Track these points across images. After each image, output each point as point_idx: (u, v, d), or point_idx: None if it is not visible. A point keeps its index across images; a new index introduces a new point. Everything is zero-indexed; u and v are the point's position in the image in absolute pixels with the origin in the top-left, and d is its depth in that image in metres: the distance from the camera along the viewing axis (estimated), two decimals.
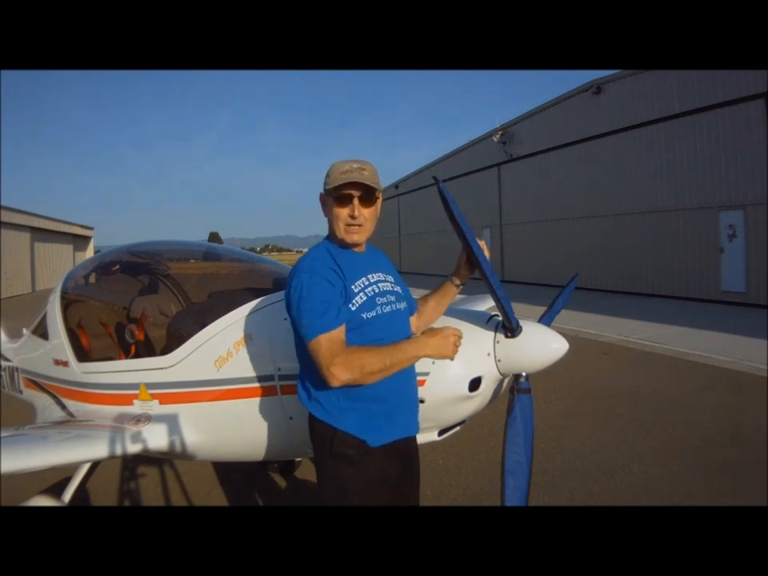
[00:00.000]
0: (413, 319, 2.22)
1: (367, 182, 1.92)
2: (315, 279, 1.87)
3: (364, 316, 1.91)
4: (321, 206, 2.06)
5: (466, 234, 2.05)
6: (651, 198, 14.94)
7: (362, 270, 1.99)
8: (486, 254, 2.14)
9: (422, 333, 2.01)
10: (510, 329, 2.15)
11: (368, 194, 1.95)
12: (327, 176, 1.98)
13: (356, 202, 1.94)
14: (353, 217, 1.94)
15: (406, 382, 2.02)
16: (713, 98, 12.79)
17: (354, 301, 1.91)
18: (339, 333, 1.83)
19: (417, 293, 2.34)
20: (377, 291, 1.97)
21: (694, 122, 13.46)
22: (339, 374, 1.78)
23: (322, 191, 2.02)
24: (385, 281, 2.04)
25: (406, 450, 2.06)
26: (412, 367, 2.05)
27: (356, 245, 2.01)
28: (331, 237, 2.04)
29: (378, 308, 1.95)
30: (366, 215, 1.96)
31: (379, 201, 2.03)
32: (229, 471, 4.53)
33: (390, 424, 1.98)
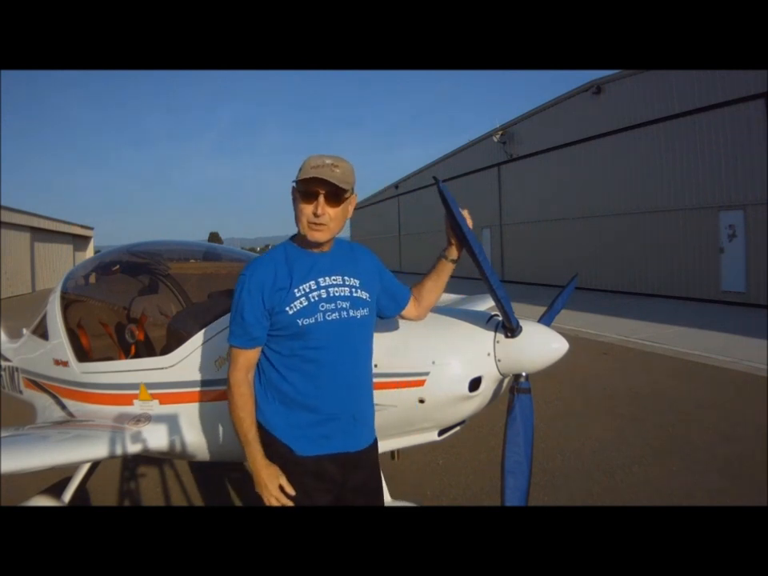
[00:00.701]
0: (411, 308, 2.18)
1: (335, 181, 1.81)
2: (248, 285, 1.87)
3: (300, 322, 1.85)
4: (291, 199, 1.94)
5: (467, 236, 2.05)
6: (651, 198, 14.95)
7: (314, 273, 1.91)
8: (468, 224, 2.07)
9: (263, 461, 1.88)
10: (510, 329, 2.15)
11: (336, 193, 1.85)
12: (300, 169, 1.87)
13: (321, 199, 1.83)
14: (316, 215, 1.84)
15: (347, 395, 1.93)
16: (713, 98, 12.79)
17: (292, 305, 1.85)
18: (249, 355, 1.91)
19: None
20: (323, 297, 1.88)
21: (693, 122, 13.46)
22: (229, 386, 1.91)
23: (294, 184, 1.90)
24: (343, 285, 1.93)
25: (352, 466, 1.96)
26: (359, 380, 1.97)
27: (318, 244, 1.92)
28: (297, 234, 1.96)
29: (319, 315, 1.86)
30: (332, 214, 1.86)
31: (349, 201, 1.93)
32: (229, 471, 4.52)
33: (323, 436, 1.91)
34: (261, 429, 1.92)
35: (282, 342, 1.89)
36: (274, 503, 1.86)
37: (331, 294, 1.90)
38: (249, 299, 1.86)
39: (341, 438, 1.93)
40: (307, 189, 1.84)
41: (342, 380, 1.92)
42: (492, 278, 2.08)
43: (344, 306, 1.91)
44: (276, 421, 1.92)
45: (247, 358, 1.91)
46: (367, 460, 2.03)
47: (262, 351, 1.94)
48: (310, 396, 1.89)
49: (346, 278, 1.96)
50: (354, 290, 1.95)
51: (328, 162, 1.85)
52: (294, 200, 1.92)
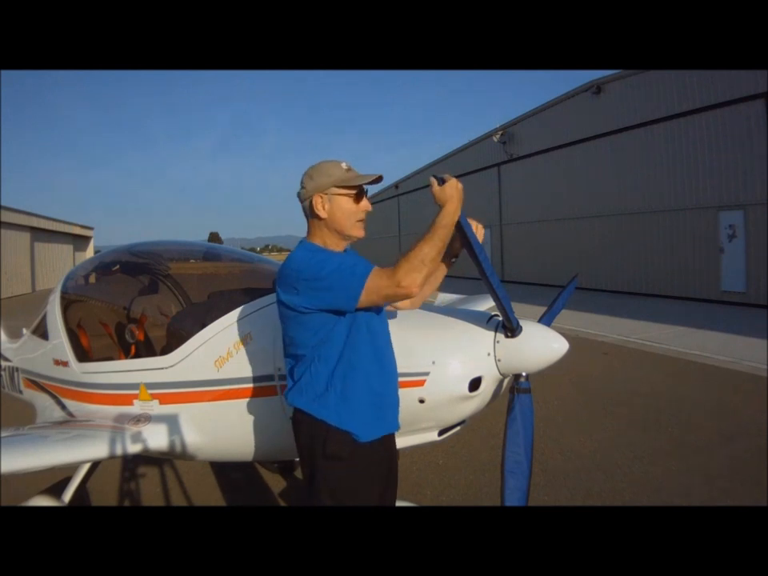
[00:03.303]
0: (405, 301, 2.24)
1: (373, 179, 2.03)
2: (321, 254, 1.95)
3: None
4: (314, 206, 1.99)
5: (468, 235, 2.05)
6: (651, 198, 14.94)
7: None
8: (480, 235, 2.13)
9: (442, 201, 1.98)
10: (510, 329, 2.15)
11: (363, 192, 2.06)
12: (328, 176, 1.98)
13: (365, 196, 2.05)
14: (367, 211, 2.04)
15: (394, 379, 2.08)
16: (713, 98, 12.79)
17: None
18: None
19: None
20: None
21: (693, 122, 13.46)
22: (412, 280, 1.79)
23: (323, 192, 1.98)
24: None
25: (388, 449, 2.09)
26: (393, 364, 2.08)
27: (356, 238, 2.07)
28: (316, 235, 2.05)
29: None
30: None
31: None
32: (229, 471, 4.52)
33: (378, 419, 2.02)
34: (322, 425, 1.94)
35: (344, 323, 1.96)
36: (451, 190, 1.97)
37: None
38: (330, 255, 1.95)
39: (391, 419, 2.06)
40: (360, 190, 2.03)
41: (386, 362, 2.05)
42: (492, 278, 2.08)
43: None
44: (339, 412, 1.94)
45: (381, 268, 1.89)
46: (396, 445, 2.18)
47: (322, 339, 1.94)
48: (373, 380, 1.98)
49: None
50: None
51: (350, 165, 2.03)
52: (331, 204, 1.99)
